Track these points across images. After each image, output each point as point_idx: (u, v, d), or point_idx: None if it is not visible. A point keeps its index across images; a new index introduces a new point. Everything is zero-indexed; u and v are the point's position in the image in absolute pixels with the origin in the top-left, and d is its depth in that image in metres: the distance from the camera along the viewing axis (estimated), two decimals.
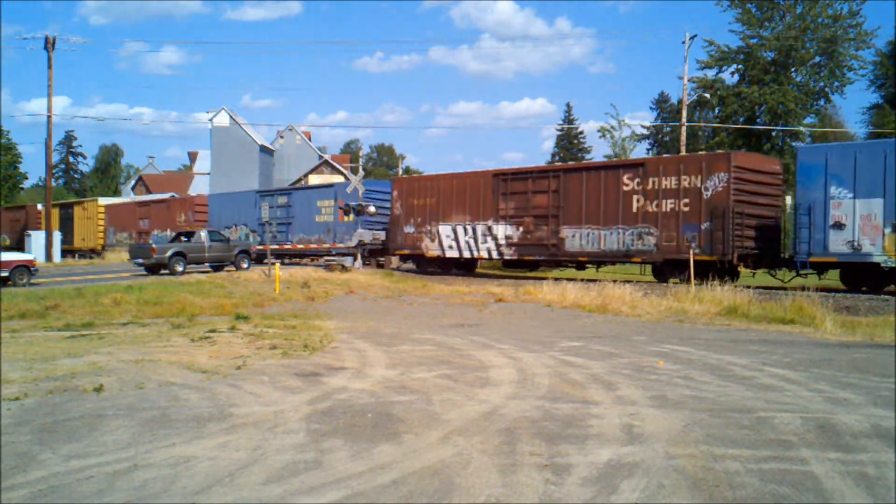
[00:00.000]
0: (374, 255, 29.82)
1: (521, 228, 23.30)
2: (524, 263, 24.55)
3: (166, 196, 48.42)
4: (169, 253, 24.69)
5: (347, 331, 12.13)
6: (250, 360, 8.96)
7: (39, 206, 50.92)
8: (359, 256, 27.64)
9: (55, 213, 47.91)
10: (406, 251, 27.17)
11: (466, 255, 25.13)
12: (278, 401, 6.81)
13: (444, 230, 25.64)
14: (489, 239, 24.16)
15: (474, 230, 24.65)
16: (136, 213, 43.89)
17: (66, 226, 48.16)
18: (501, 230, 23.84)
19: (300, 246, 32.39)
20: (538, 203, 22.96)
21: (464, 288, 20.96)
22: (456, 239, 25.20)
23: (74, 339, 10.84)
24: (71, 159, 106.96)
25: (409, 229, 26.85)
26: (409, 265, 28.87)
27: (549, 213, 22.57)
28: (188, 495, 4.34)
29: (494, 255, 24.25)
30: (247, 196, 36.68)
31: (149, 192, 68.96)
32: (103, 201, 49.02)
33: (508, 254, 23.74)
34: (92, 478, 4.64)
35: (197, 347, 10.02)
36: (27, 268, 21.62)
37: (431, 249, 26.00)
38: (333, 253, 29.78)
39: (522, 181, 23.57)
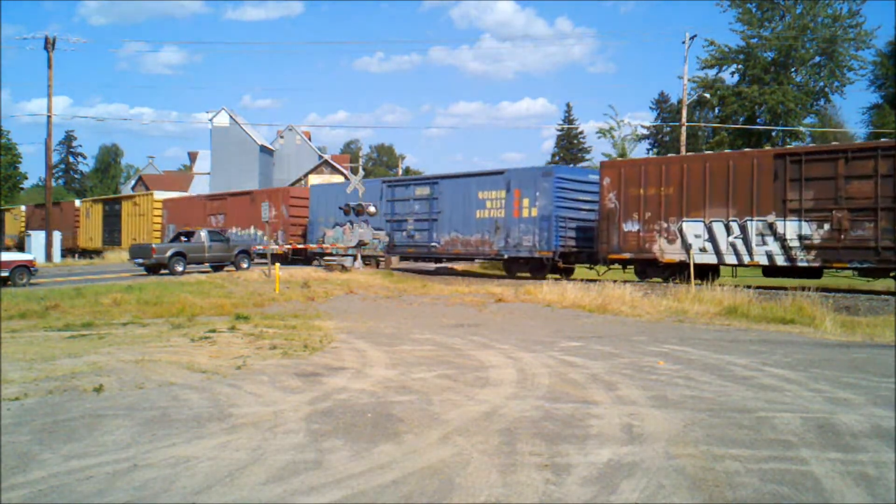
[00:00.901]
0: (566, 260, 23.65)
1: (826, 226, 17.68)
2: (809, 272, 18.58)
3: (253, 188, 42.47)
4: (169, 253, 24.71)
5: (347, 331, 12.13)
6: (250, 360, 8.96)
7: (77, 203, 48.69)
8: (359, 256, 27.57)
9: (99, 209, 45.15)
10: (627, 255, 21.25)
11: (730, 260, 19.33)
12: (278, 401, 6.81)
13: (692, 228, 19.84)
14: (770, 239, 18.48)
15: (743, 228, 18.91)
16: (207, 207, 37.61)
17: (112, 224, 43.37)
18: (792, 228, 18.12)
19: (456, 249, 26.35)
20: (857, 192, 17.25)
21: (464, 288, 20.96)
22: (712, 239, 19.46)
23: (74, 339, 10.84)
24: (71, 159, 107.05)
25: (630, 227, 21.03)
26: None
27: (876, 206, 16.90)
28: (188, 495, 4.34)
29: (780, 260, 18.41)
30: (368, 186, 30.03)
31: (148, 191, 68.47)
32: (160, 195, 42.47)
33: (805, 258, 17.99)
34: (92, 478, 4.64)
35: (197, 347, 10.02)
36: (27, 268, 21.63)
37: (669, 253, 20.30)
38: (506, 257, 24.76)
39: (827, 163, 17.72)
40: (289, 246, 30.14)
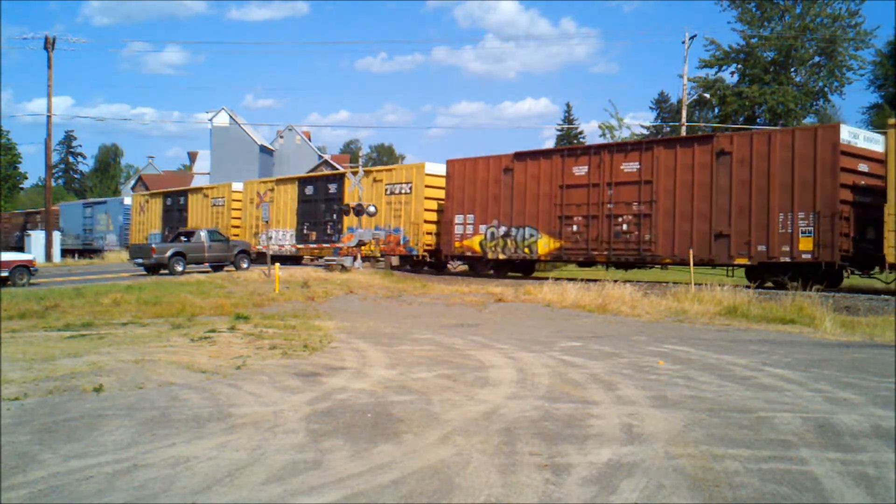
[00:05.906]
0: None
1: None
2: None
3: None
4: (169, 253, 24.72)
5: (347, 331, 12.12)
6: (250, 361, 8.95)
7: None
8: (359, 256, 27.55)
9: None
10: None
11: None
12: (278, 401, 6.81)
13: None
14: None
15: None
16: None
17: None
18: None
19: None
20: None
21: (464, 288, 20.93)
22: None
23: (74, 339, 10.84)
24: (71, 159, 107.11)
25: None
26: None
27: None
28: (188, 495, 4.34)
29: None
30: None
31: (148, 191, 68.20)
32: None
33: None
34: (92, 478, 4.64)
35: (197, 347, 10.02)
36: (27, 268, 21.63)
37: None
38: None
39: None
40: None
